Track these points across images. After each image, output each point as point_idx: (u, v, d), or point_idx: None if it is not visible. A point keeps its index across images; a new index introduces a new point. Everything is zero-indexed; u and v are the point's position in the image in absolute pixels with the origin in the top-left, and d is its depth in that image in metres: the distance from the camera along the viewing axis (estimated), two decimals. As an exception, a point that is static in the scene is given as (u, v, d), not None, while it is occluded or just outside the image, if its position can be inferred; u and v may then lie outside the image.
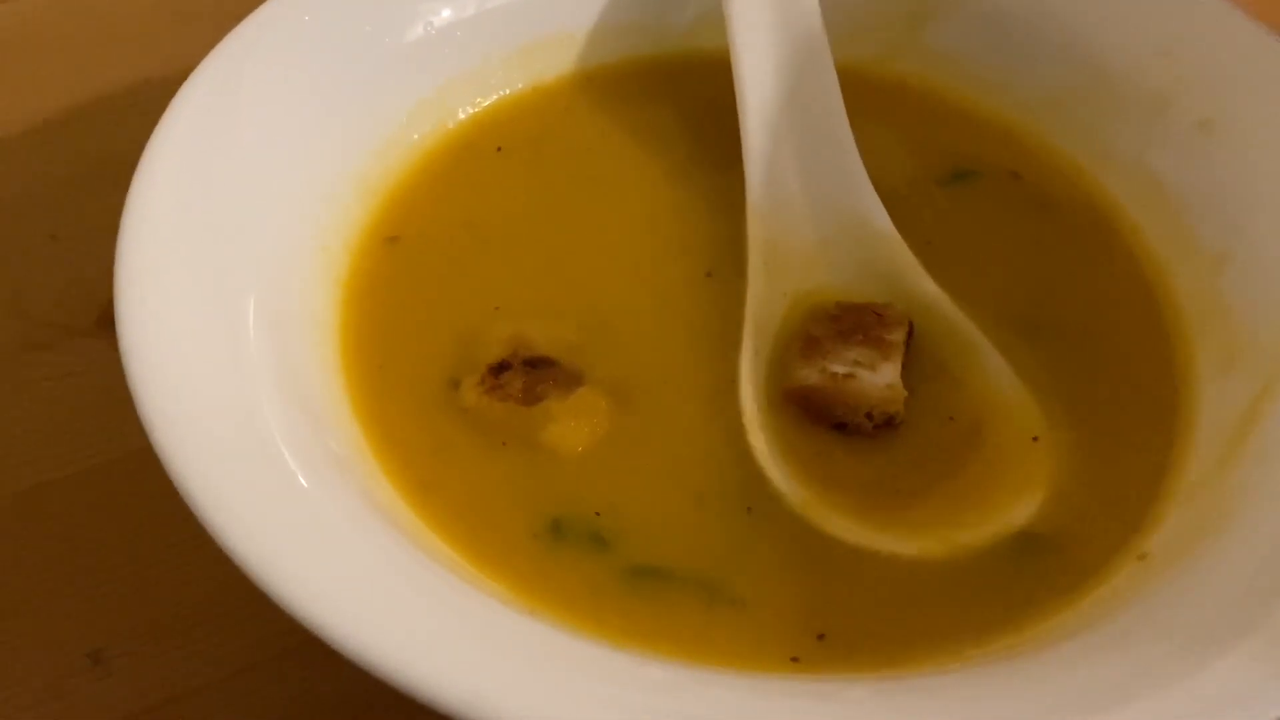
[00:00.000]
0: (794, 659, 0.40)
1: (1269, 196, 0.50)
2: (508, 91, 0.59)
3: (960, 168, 0.57)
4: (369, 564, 0.38)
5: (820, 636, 0.41)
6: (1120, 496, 0.45)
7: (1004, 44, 0.59)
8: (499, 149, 0.57)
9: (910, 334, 0.49)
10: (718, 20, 0.58)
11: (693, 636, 0.41)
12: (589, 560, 0.43)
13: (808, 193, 0.54)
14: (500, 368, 0.47)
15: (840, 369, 0.47)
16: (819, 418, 0.47)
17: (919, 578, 0.43)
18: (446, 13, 0.57)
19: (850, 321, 0.49)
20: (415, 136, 0.57)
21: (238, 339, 0.44)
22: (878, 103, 0.60)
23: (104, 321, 0.57)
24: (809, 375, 0.47)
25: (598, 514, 0.44)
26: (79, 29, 0.71)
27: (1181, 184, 0.53)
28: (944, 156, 0.57)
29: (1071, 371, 0.49)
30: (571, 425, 0.46)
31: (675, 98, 0.60)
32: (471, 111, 0.58)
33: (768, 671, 0.39)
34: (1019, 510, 0.45)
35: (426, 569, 0.39)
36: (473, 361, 0.48)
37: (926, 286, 0.51)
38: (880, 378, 0.47)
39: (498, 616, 0.38)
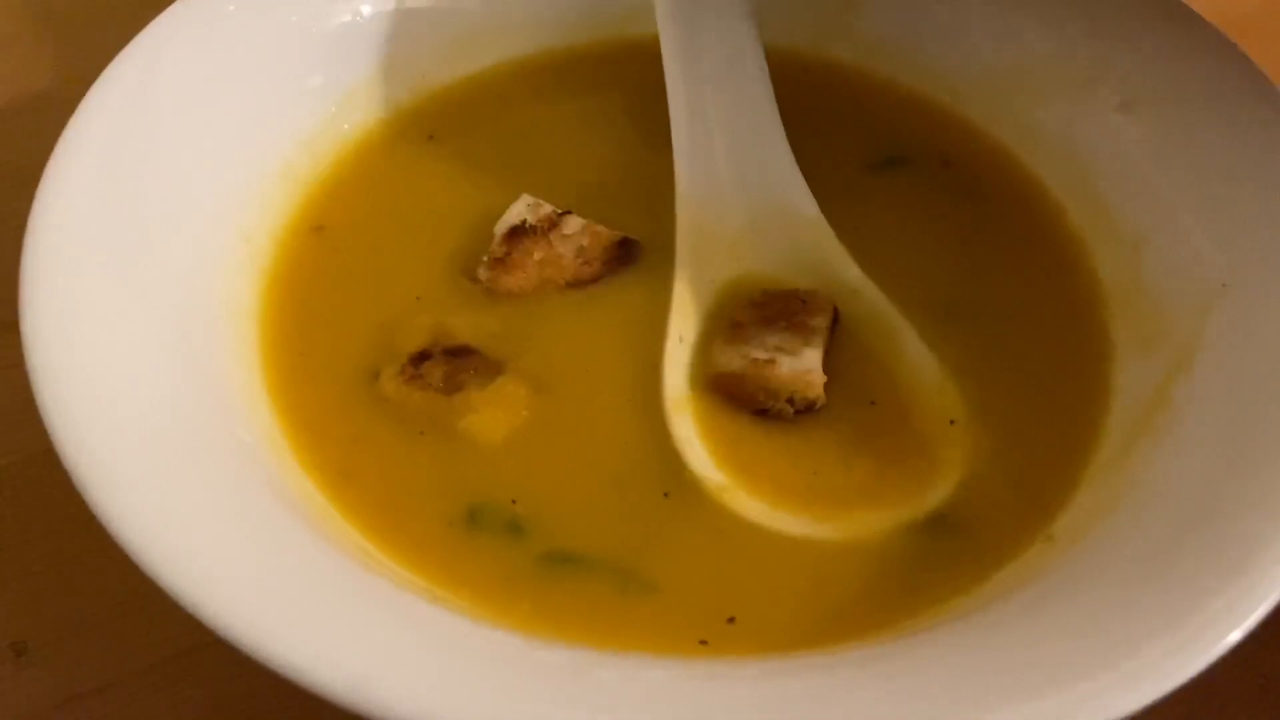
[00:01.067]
0: (703, 642, 0.41)
1: (1185, 177, 0.51)
2: (443, 82, 0.59)
3: (890, 154, 0.57)
4: (270, 556, 0.38)
5: (730, 620, 0.41)
6: (1033, 479, 0.46)
7: (935, 27, 0.59)
8: (430, 137, 0.57)
9: (835, 320, 0.49)
10: (650, 8, 0.58)
11: (604, 622, 0.41)
12: (504, 547, 0.43)
13: (736, 180, 0.54)
14: (421, 357, 0.47)
15: (761, 354, 0.47)
16: (742, 403, 0.47)
17: (828, 561, 0.43)
18: (373, 2, 0.57)
19: (774, 308, 0.49)
20: (345, 127, 0.56)
21: (149, 330, 0.44)
22: (810, 88, 0.60)
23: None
24: (731, 360, 0.48)
25: (514, 501, 0.44)
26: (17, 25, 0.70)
27: (1104, 165, 0.54)
28: (875, 143, 0.58)
29: (991, 355, 0.50)
30: (491, 414, 0.46)
31: (608, 87, 0.60)
32: (405, 103, 0.58)
33: (677, 654, 0.39)
34: (934, 492, 0.45)
35: (333, 560, 0.39)
36: (394, 350, 0.48)
37: (852, 273, 0.51)
38: (801, 363, 0.47)
39: (402, 605, 0.38)
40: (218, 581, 0.36)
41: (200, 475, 0.40)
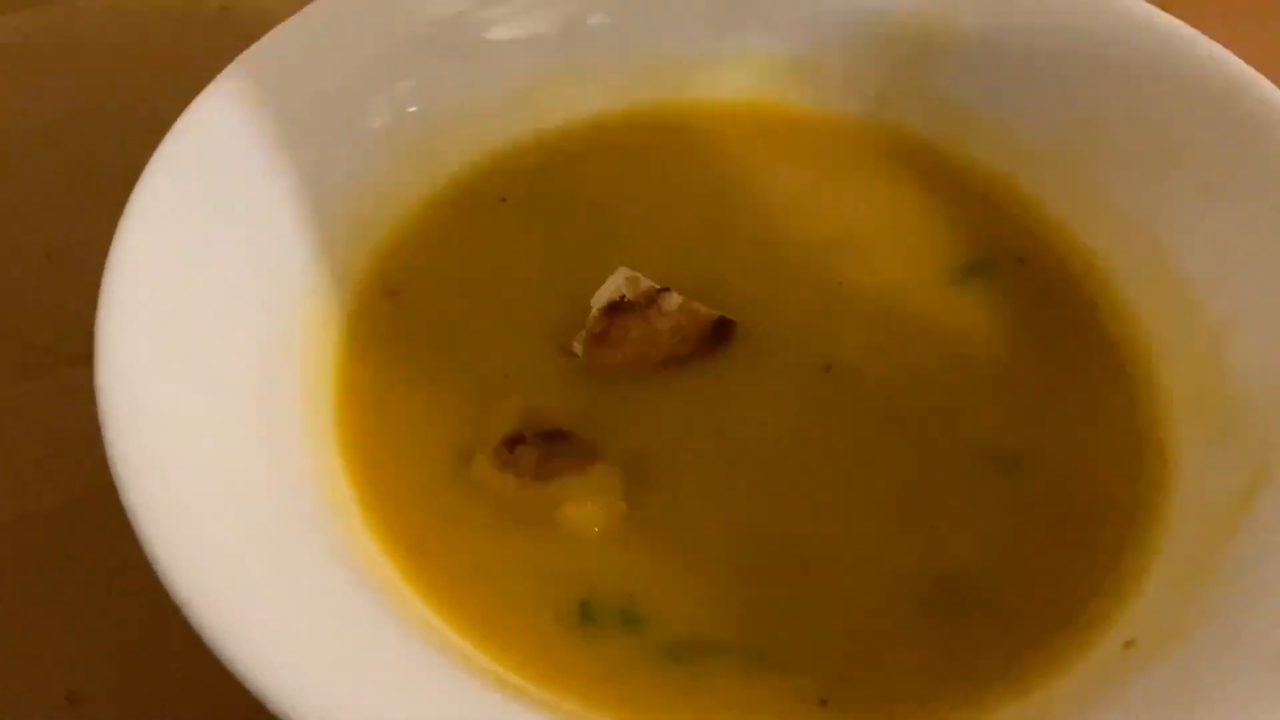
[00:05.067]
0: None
1: (1271, 261, 0.50)
2: (512, 139, 0.59)
3: (972, 259, 0.55)
4: (353, 646, 0.38)
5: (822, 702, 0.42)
6: (1101, 577, 0.46)
7: (1002, 90, 0.58)
8: (503, 200, 0.57)
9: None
10: (725, 59, 0.59)
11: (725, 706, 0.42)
12: (622, 641, 0.43)
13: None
14: (514, 440, 0.46)
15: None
16: None
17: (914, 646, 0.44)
18: (441, 49, 0.57)
19: None
20: (412, 178, 0.56)
21: (220, 386, 0.44)
22: (876, 157, 0.59)
23: (97, 349, 0.56)
24: None
25: (630, 594, 0.44)
26: (78, 38, 0.69)
27: (1184, 249, 0.52)
28: (955, 245, 0.56)
29: (1056, 454, 0.49)
30: (588, 505, 0.45)
31: (683, 148, 0.59)
32: (474, 158, 0.58)
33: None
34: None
35: (416, 649, 0.39)
36: (484, 431, 0.47)
37: None
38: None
39: (497, 704, 0.38)
40: (291, 672, 0.36)
41: (268, 544, 0.40)
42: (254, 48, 0.52)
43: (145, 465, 0.39)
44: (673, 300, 0.50)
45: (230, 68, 0.51)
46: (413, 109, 0.56)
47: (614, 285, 0.50)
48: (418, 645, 0.40)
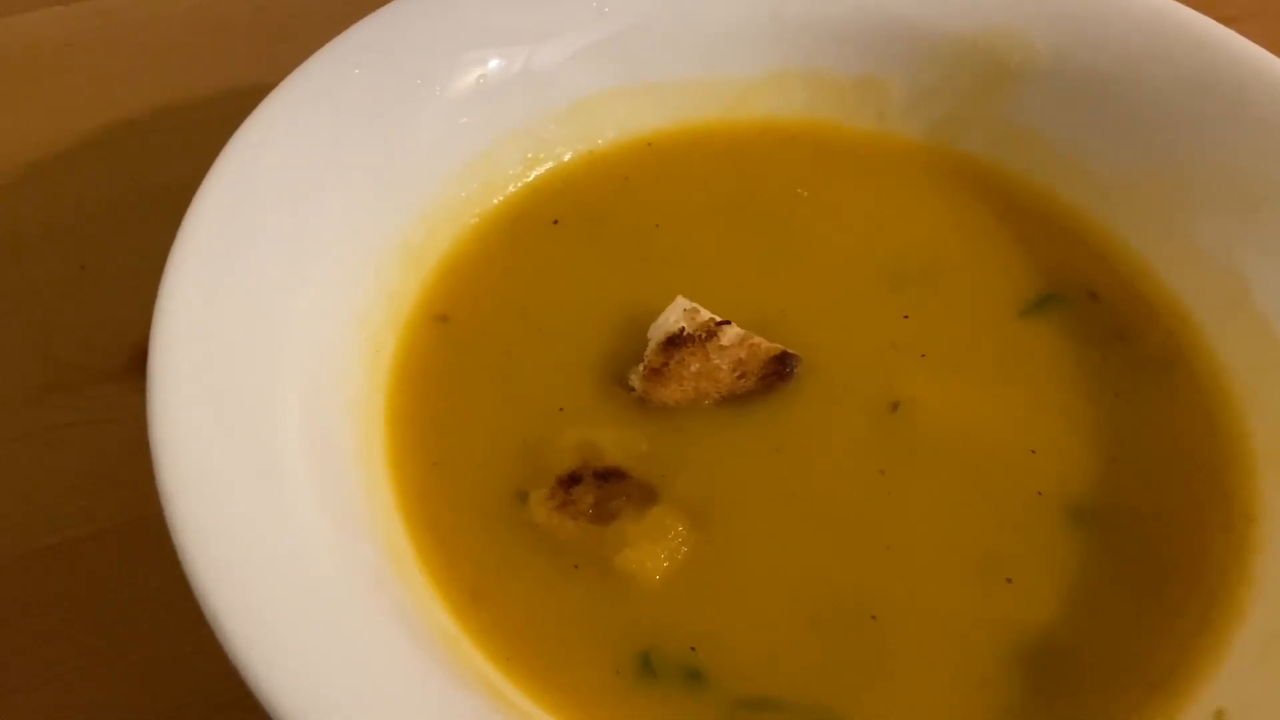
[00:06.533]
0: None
1: None
2: (564, 157, 0.57)
3: (1040, 292, 0.53)
4: (409, 703, 0.36)
5: None
6: (1188, 642, 0.44)
7: (1085, 119, 0.56)
8: (555, 222, 0.55)
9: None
10: (781, 78, 0.57)
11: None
12: (685, 699, 0.41)
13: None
14: (571, 480, 0.45)
15: None
16: None
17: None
18: (496, 63, 0.55)
19: None
20: (463, 195, 0.54)
21: (272, 425, 0.42)
22: (941, 182, 0.57)
23: (133, 365, 0.54)
24: None
25: (693, 648, 0.42)
26: (113, 44, 0.68)
27: (1271, 289, 0.50)
28: (1025, 277, 0.54)
29: (1135, 508, 0.47)
30: (648, 549, 0.43)
31: (735, 170, 0.58)
32: (526, 180, 0.56)
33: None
34: None
35: (473, 705, 0.37)
36: (540, 470, 0.46)
37: None
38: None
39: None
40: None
41: (323, 598, 0.39)
42: (303, 66, 0.51)
43: (196, 500, 0.38)
44: (732, 333, 0.48)
45: (282, 84, 0.50)
46: (464, 121, 0.54)
47: (672, 317, 0.48)
48: (475, 701, 0.38)
